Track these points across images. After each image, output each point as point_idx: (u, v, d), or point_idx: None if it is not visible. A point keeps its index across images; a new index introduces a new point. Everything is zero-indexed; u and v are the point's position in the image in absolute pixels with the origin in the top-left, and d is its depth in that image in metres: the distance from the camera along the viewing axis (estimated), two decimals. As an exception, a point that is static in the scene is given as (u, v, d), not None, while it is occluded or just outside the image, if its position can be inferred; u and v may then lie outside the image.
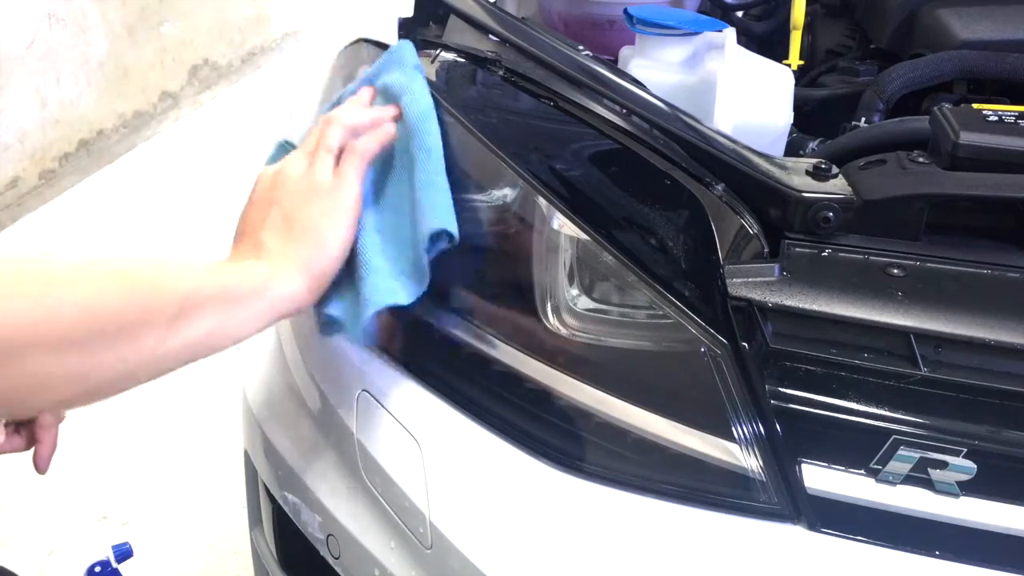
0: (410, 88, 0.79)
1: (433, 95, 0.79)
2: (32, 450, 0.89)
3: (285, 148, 0.82)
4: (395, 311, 0.75)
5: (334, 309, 0.72)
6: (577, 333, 0.73)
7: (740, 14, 1.44)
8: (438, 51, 0.90)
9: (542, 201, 0.74)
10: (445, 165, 0.76)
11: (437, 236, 0.71)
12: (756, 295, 0.66)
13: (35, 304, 0.50)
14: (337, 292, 0.73)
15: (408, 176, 0.75)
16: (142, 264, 0.57)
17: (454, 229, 0.71)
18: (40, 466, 0.88)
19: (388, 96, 0.80)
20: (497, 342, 0.75)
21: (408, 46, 0.84)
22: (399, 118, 0.77)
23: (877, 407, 0.64)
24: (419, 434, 0.76)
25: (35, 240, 2.77)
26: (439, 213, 0.71)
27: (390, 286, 0.71)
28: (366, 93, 0.81)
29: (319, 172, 0.71)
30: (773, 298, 0.66)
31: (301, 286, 0.66)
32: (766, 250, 0.71)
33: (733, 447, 0.67)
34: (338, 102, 0.86)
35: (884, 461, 0.63)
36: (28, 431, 0.88)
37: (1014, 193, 0.68)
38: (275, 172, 0.73)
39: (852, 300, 0.65)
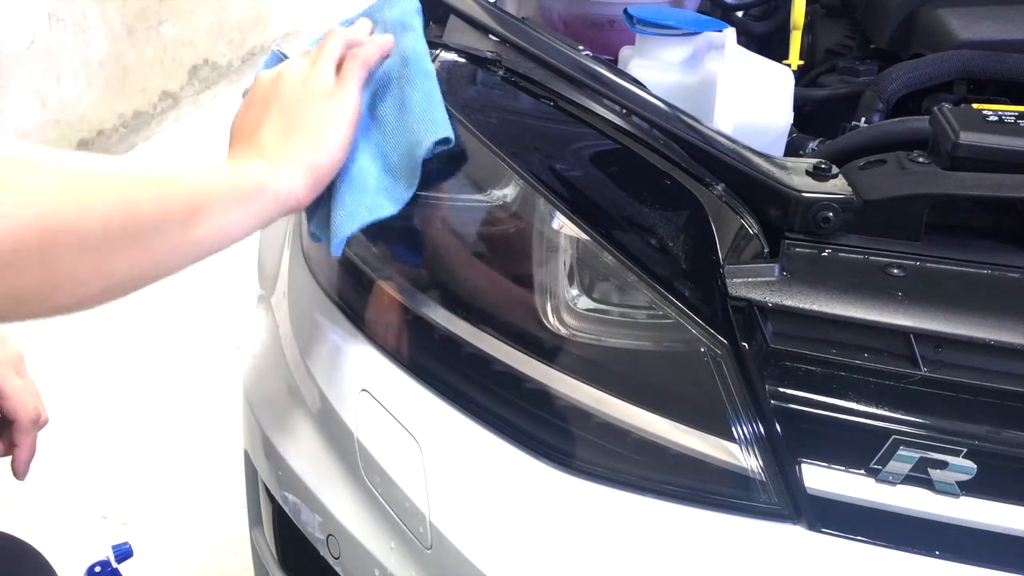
0: (409, 25, 0.81)
1: None
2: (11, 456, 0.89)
3: (279, 58, 0.83)
4: (396, 310, 0.75)
5: (314, 227, 0.76)
6: (577, 333, 0.73)
7: (740, 14, 1.44)
8: (438, 51, 0.90)
9: (542, 201, 0.74)
10: (443, 163, 0.77)
11: (441, 143, 0.74)
12: (756, 295, 0.66)
13: (68, 203, 0.53)
14: (318, 209, 0.76)
15: (399, 100, 0.77)
16: (155, 169, 0.61)
17: (451, 134, 0.75)
18: (18, 471, 0.88)
19: (386, 30, 0.82)
20: (497, 342, 0.75)
21: None
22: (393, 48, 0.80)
23: (877, 407, 0.64)
24: (419, 434, 0.76)
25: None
26: (440, 124, 0.74)
27: (371, 203, 0.73)
28: (365, 24, 0.83)
29: (320, 75, 0.73)
30: (773, 298, 0.66)
31: (300, 184, 0.68)
32: (766, 250, 0.71)
33: (733, 447, 0.67)
34: None
35: (884, 461, 0.63)
36: (7, 437, 0.87)
37: (1014, 193, 0.68)
38: (275, 75, 0.75)
39: (852, 300, 0.65)
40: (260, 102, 0.73)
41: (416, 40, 0.81)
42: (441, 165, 0.81)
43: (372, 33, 0.83)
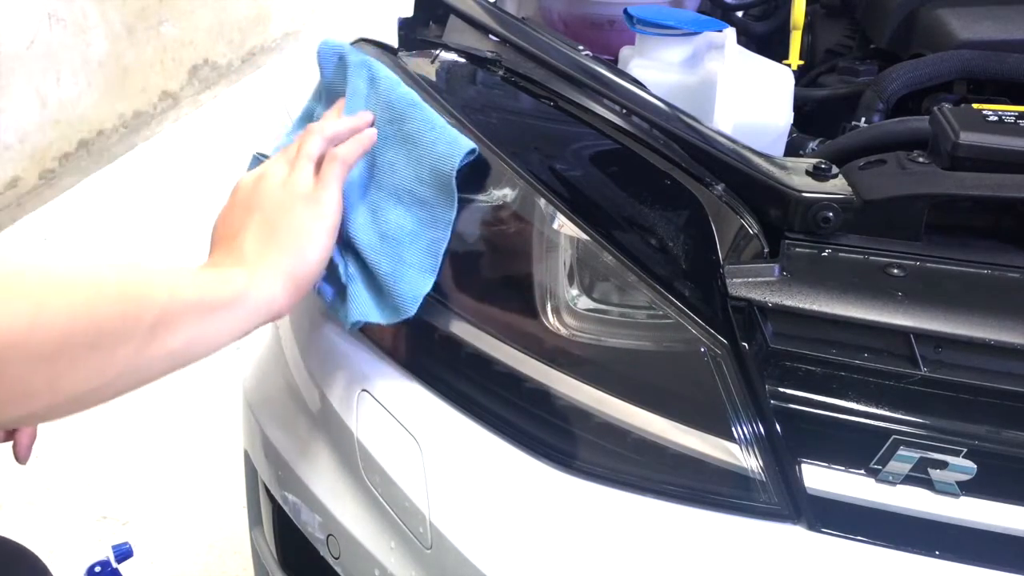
0: (371, 74, 0.81)
1: (421, 84, 0.80)
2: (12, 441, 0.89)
3: (260, 160, 0.83)
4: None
5: (359, 315, 0.75)
6: (577, 333, 0.73)
7: (740, 14, 1.44)
8: (438, 51, 0.90)
9: (542, 201, 0.74)
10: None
11: (470, 154, 0.75)
12: (756, 295, 0.66)
13: (19, 314, 0.49)
14: (349, 295, 0.75)
15: (400, 139, 0.77)
16: (122, 273, 0.57)
17: (472, 144, 0.75)
18: (20, 456, 0.88)
19: (356, 92, 0.81)
20: (497, 342, 0.75)
21: (339, 47, 0.85)
22: (373, 123, 0.79)
23: (877, 407, 0.64)
24: (419, 434, 0.76)
25: (35, 240, 2.77)
26: (458, 140, 0.75)
27: (430, 244, 0.75)
28: (338, 104, 0.82)
29: (300, 179, 0.71)
30: (773, 298, 0.66)
31: (280, 293, 0.66)
32: (766, 250, 0.71)
33: (733, 447, 0.67)
34: (307, 116, 0.88)
35: (884, 461, 0.63)
36: None
37: (1014, 193, 0.68)
38: (256, 178, 0.73)
39: (852, 300, 0.65)
40: (241, 207, 0.71)
41: (385, 81, 0.80)
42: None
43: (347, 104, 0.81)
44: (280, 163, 0.74)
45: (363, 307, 0.75)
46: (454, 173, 0.74)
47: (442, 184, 0.75)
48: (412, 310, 0.74)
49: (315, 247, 0.68)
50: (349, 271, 0.76)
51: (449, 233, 0.75)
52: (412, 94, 0.79)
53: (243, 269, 0.65)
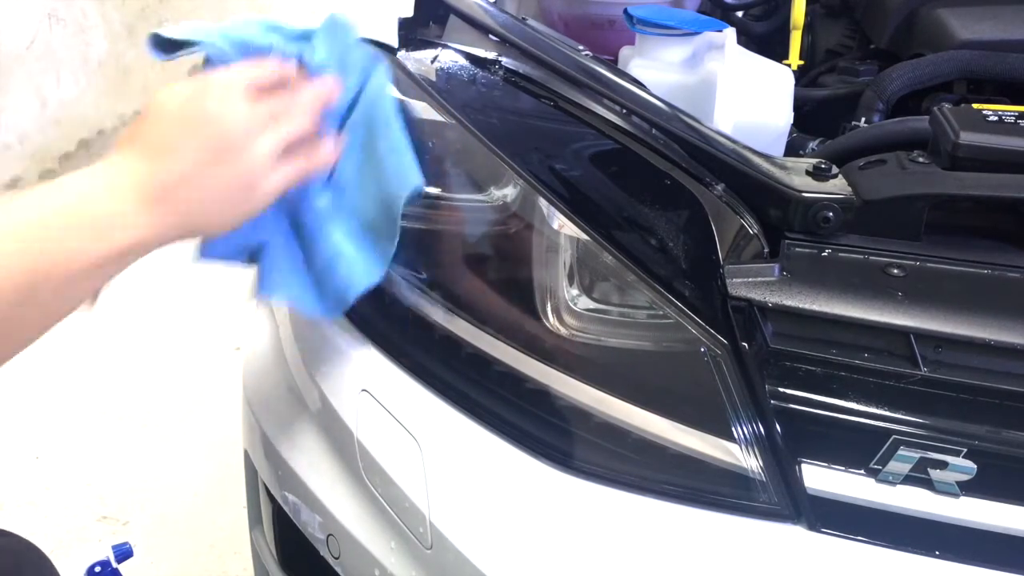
0: (370, 71, 0.79)
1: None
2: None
3: None
4: (396, 310, 0.75)
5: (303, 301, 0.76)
6: (577, 333, 0.73)
7: (740, 14, 1.44)
8: (438, 51, 0.90)
9: (542, 201, 0.74)
10: (440, 166, 0.77)
11: (415, 195, 0.75)
12: (756, 295, 0.66)
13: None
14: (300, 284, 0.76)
15: (368, 155, 0.77)
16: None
17: (421, 183, 0.75)
18: None
19: (345, 77, 0.79)
20: (497, 342, 0.75)
21: (341, 22, 0.79)
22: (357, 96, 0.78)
23: (877, 407, 0.64)
24: (419, 434, 0.76)
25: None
26: (411, 174, 0.75)
27: (366, 268, 0.75)
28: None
29: (271, 141, 0.70)
30: (773, 298, 0.66)
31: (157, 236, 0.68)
32: (766, 250, 0.71)
33: (733, 447, 0.67)
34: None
35: (884, 461, 0.63)
36: None
37: (1014, 193, 0.68)
38: (240, 90, 0.78)
39: (852, 300, 0.65)
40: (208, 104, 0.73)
41: (378, 87, 0.78)
42: (441, 165, 0.81)
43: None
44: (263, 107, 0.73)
45: (288, 286, 0.76)
46: (399, 215, 0.74)
47: (390, 219, 0.74)
48: (331, 310, 0.75)
49: (224, 221, 0.69)
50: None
51: (384, 269, 0.75)
52: (392, 113, 0.77)
53: (144, 202, 0.69)
